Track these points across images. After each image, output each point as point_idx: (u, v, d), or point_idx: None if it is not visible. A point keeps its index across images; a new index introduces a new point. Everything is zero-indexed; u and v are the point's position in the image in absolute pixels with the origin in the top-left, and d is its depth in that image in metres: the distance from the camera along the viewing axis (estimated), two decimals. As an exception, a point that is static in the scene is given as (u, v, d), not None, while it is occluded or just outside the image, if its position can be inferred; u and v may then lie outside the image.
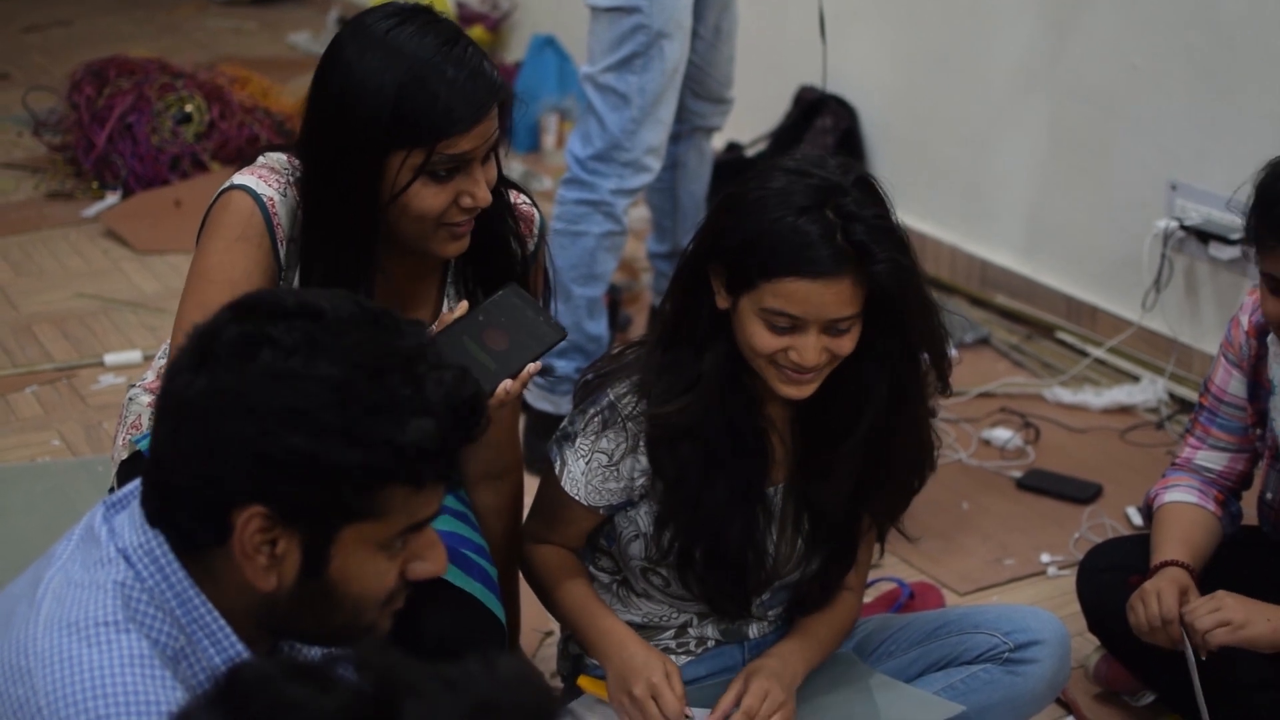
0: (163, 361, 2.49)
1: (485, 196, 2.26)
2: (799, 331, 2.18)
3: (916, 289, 2.22)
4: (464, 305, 2.27)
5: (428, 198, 2.23)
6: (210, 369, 1.52)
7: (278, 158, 2.37)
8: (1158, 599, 2.49)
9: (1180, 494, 2.69)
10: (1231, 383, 2.65)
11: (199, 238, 2.35)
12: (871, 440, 2.30)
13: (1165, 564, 2.56)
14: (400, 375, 1.51)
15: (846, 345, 2.20)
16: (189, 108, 5.40)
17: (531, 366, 2.26)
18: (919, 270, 2.24)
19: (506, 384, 2.22)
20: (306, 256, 2.30)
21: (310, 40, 7.21)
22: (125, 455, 2.46)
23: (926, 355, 2.30)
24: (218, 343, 1.52)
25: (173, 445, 1.56)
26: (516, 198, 2.47)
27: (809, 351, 2.18)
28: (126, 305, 4.52)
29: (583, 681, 2.45)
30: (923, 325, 2.25)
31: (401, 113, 2.19)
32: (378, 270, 2.31)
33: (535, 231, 2.49)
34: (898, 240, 2.18)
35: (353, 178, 2.23)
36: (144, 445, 2.42)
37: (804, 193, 2.16)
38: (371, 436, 1.49)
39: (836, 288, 2.14)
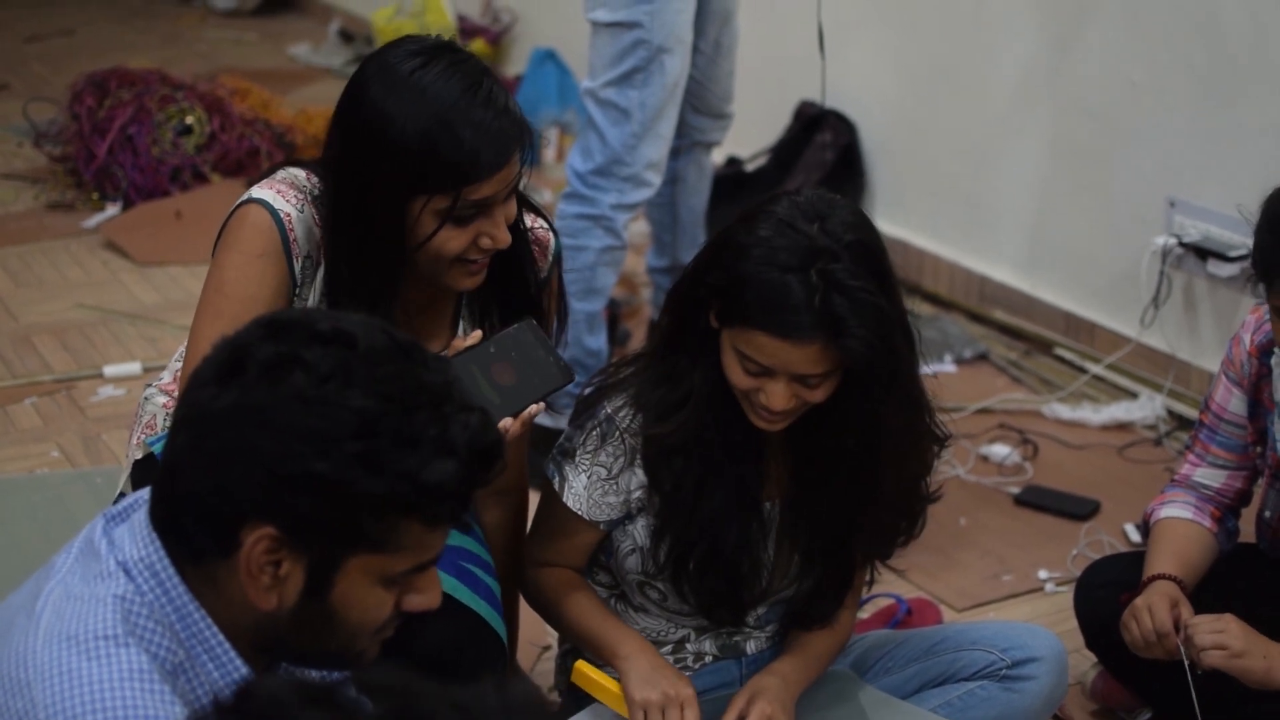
0: (179, 364, 2.49)
1: (505, 238, 2.26)
2: (768, 377, 2.18)
3: (890, 372, 2.18)
4: (477, 334, 2.27)
5: (448, 240, 2.24)
6: (240, 385, 1.53)
7: (297, 173, 2.36)
8: (1150, 613, 2.49)
9: (1176, 510, 2.69)
10: (1232, 401, 2.66)
11: (215, 249, 2.35)
12: (851, 476, 2.31)
13: (1155, 578, 2.57)
14: (428, 413, 1.52)
15: (817, 396, 2.20)
16: (190, 119, 5.40)
17: (534, 407, 2.24)
18: (902, 352, 2.21)
19: (506, 423, 2.20)
20: (333, 288, 2.31)
21: (311, 52, 7.22)
22: (139, 455, 2.46)
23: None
24: (249, 359, 1.53)
25: (190, 455, 1.56)
26: (534, 221, 2.46)
27: (776, 397, 2.19)
28: (126, 317, 4.52)
29: (580, 665, 2.38)
30: (893, 406, 2.23)
31: (426, 159, 2.18)
32: (397, 298, 2.31)
33: (550, 256, 2.48)
34: (881, 318, 2.14)
35: (376, 218, 2.23)
36: (158, 447, 2.42)
37: (794, 250, 2.13)
38: (394, 470, 1.51)
39: (805, 350, 2.14)
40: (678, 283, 2.31)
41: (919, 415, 2.32)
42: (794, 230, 2.15)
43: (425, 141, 2.17)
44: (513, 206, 2.29)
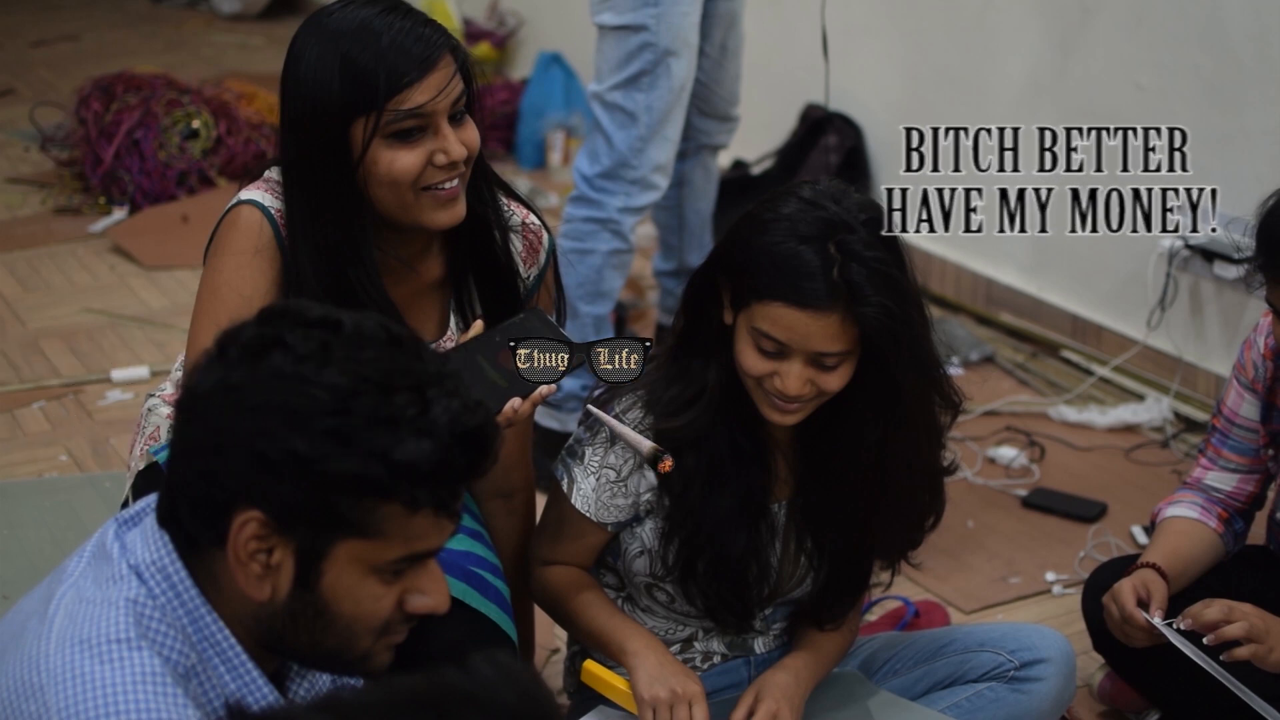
0: (179, 373, 2.49)
1: (457, 150, 2.25)
2: (784, 358, 2.18)
3: (908, 339, 2.19)
4: (479, 324, 2.27)
5: (397, 160, 2.22)
6: (223, 366, 1.54)
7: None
8: (1114, 599, 2.49)
9: (1181, 509, 2.69)
10: (1243, 406, 2.65)
11: (207, 253, 2.36)
12: (868, 469, 2.31)
13: (1136, 567, 2.57)
14: (408, 395, 1.52)
15: (833, 382, 2.20)
16: (196, 124, 5.41)
17: (545, 388, 2.24)
18: (917, 322, 2.22)
19: (515, 402, 2.21)
20: (294, 261, 2.29)
21: (316, 56, 7.21)
22: (142, 465, 2.46)
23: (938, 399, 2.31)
24: (234, 343, 1.55)
25: (183, 440, 1.58)
26: (525, 215, 2.47)
27: (792, 380, 2.19)
28: (133, 321, 4.53)
29: (589, 664, 2.38)
30: (912, 376, 2.23)
31: (349, 80, 2.20)
32: (371, 253, 2.29)
33: (544, 250, 2.49)
34: (896, 287, 2.16)
35: (322, 161, 2.24)
36: (161, 456, 2.42)
37: (812, 223, 2.16)
38: (366, 448, 1.50)
39: (824, 321, 2.15)
40: (692, 279, 2.32)
41: (935, 383, 2.31)
42: (813, 207, 2.18)
43: (344, 66, 2.20)
44: (470, 131, 2.28)
